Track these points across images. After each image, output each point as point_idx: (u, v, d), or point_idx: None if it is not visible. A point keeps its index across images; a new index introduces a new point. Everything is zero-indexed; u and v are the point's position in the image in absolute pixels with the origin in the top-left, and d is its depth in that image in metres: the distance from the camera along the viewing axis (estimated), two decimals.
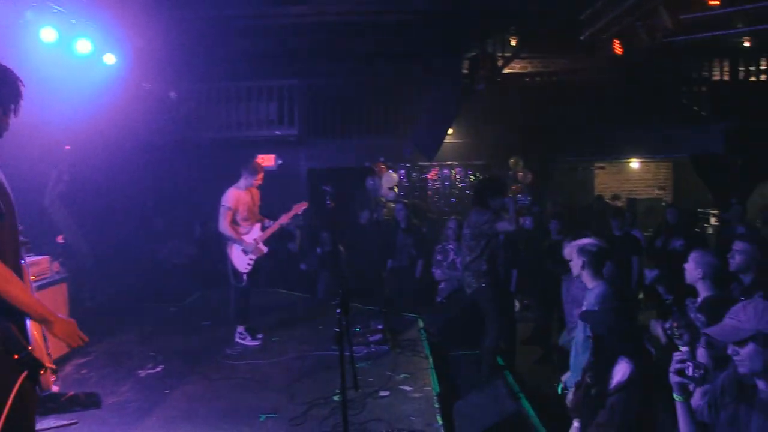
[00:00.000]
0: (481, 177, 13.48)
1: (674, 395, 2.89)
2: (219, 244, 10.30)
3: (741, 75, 14.11)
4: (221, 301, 9.30)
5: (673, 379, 2.86)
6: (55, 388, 5.32)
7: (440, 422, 5.24)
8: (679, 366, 2.84)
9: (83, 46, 7.94)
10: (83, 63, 8.24)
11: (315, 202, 9.56)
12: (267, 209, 8.10)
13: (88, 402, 5.77)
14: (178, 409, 5.73)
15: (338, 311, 4.37)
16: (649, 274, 5.19)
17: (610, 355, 4.00)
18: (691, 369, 2.80)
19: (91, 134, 10.15)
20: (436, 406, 5.60)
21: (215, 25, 10.79)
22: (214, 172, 11.48)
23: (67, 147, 10.29)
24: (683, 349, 2.96)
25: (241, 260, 7.58)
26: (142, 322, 8.82)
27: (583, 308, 5.03)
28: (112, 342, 7.88)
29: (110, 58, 8.64)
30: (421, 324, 8.21)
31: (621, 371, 3.89)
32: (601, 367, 4.02)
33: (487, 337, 6.63)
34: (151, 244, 11.24)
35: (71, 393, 5.91)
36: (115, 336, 8.13)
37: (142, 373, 6.73)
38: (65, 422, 5.38)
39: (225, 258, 7.69)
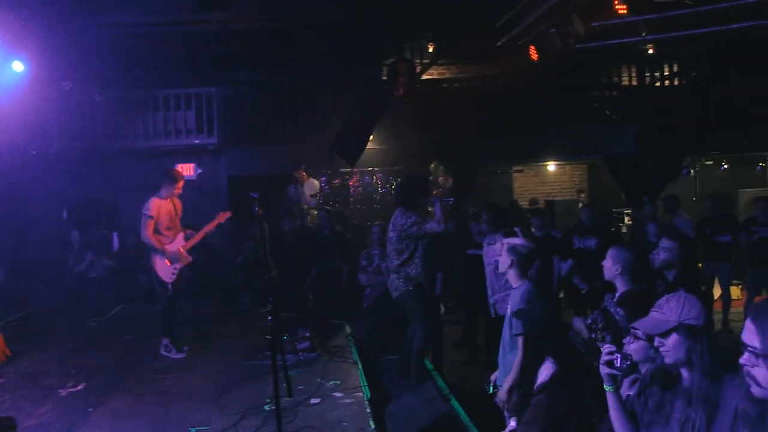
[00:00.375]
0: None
1: (604, 386, 3.03)
2: (138, 256, 10.12)
3: (647, 80, 14.74)
4: (143, 314, 9.13)
5: (603, 370, 3.02)
6: None
7: (373, 426, 5.27)
8: (608, 358, 3.00)
9: None
10: None
11: (236, 211, 9.45)
12: (188, 219, 7.98)
13: (1, 427, 5.54)
14: (102, 428, 5.57)
15: (270, 318, 4.34)
16: (564, 265, 5.37)
17: (538, 354, 4.14)
18: (619, 360, 2.97)
19: None
20: (368, 410, 5.62)
21: (131, 33, 10.56)
22: (131, 182, 11.29)
23: None
24: (606, 346, 3.09)
25: (165, 270, 7.45)
26: (60, 339, 8.54)
27: (508, 307, 5.18)
28: (27, 361, 7.56)
29: (18, 66, 8.36)
30: (348, 330, 8.25)
31: (545, 371, 4.03)
32: (529, 366, 4.15)
33: (415, 340, 6.66)
34: (68, 257, 10.87)
35: None
36: (30, 354, 7.80)
37: (63, 392, 6.48)
38: None
39: (149, 269, 7.55)
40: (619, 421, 3.05)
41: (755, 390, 2.12)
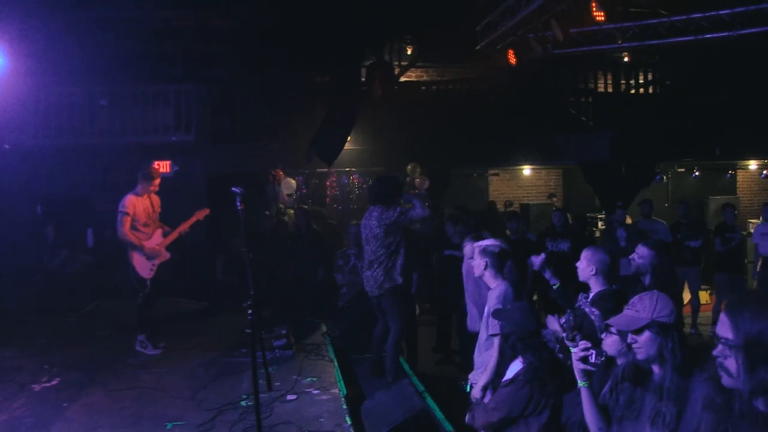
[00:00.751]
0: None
1: (579, 382, 3.13)
2: (114, 252, 10.04)
3: (622, 87, 14.97)
4: (119, 310, 9.08)
5: (578, 366, 3.12)
6: None
7: (349, 422, 5.33)
8: (583, 354, 3.10)
9: None
10: None
11: (213, 209, 9.41)
12: (164, 217, 7.95)
13: None
14: (78, 423, 5.55)
15: (249, 312, 4.37)
16: (535, 259, 5.46)
17: (513, 354, 4.23)
18: (594, 357, 3.07)
19: None
20: (344, 407, 5.69)
21: (110, 27, 10.52)
22: (107, 179, 11.22)
23: None
24: (582, 342, 3.20)
25: (143, 266, 7.46)
26: (35, 335, 8.46)
27: (486, 308, 5.27)
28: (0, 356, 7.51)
29: None
30: (324, 328, 8.30)
31: (513, 369, 4.14)
32: (503, 365, 4.26)
33: (390, 336, 6.68)
34: (42, 254, 10.78)
35: None
36: (3, 350, 7.73)
37: (37, 387, 6.44)
38: None
39: (126, 265, 7.52)
40: (591, 417, 3.14)
41: (725, 380, 2.21)
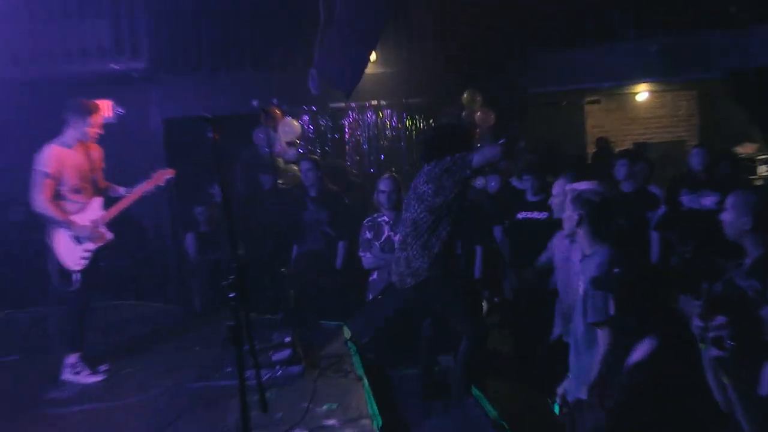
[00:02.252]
0: (431, 123, 13.41)
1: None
2: (28, 234, 10.09)
3: None
4: (34, 323, 9.14)
5: (710, 353, 3.35)
6: None
7: None
8: (716, 333, 3.29)
9: None
10: None
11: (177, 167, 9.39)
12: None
13: None
14: None
15: (232, 295, 4.22)
16: (654, 215, 5.38)
17: (629, 342, 4.16)
18: (727, 341, 3.24)
19: None
20: None
21: None
22: (15, 126, 11.21)
23: None
24: (718, 318, 3.20)
25: (70, 252, 7.43)
26: None
27: (580, 283, 5.16)
28: None
29: None
30: (347, 333, 8.26)
31: (643, 349, 4.06)
32: (619, 351, 4.20)
33: (462, 346, 6.64)
34: None
35: None
36: None
37: None
38: None
39: (47, 251, 7.52)
40: None
41: None
